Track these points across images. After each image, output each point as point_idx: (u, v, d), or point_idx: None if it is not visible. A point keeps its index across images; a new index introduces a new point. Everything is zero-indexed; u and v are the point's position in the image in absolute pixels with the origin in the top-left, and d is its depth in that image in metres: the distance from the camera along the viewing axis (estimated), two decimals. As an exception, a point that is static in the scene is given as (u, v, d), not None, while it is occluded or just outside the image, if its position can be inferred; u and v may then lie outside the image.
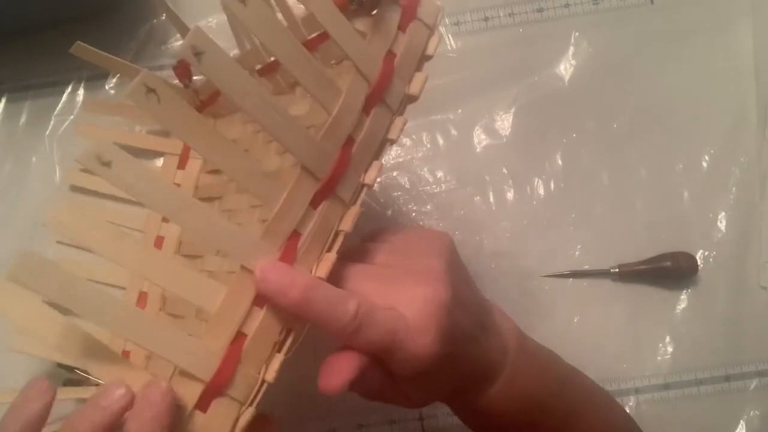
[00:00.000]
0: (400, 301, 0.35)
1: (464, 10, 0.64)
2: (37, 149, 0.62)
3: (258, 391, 0.33)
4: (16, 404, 0.28)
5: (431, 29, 0.39)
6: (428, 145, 0.62)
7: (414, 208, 0.60)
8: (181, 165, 0.60)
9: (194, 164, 0.60)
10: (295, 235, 0.34)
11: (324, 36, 0.48)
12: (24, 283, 0.27)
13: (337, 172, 0.35)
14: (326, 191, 0.35)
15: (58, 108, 0.63)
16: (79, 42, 0.52)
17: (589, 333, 0.57)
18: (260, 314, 0.33)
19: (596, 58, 0.63)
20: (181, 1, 0.63)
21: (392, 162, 0.61)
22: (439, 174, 0.61)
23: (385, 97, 0.37)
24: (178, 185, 0.59)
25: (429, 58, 0.39)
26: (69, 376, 0.53)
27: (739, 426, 0.55)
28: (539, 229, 0.59)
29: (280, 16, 0.48)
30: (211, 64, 0.28)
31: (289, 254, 0.34)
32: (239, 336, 0.32)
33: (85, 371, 0.31)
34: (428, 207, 0.60)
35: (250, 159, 0.32)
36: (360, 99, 0.36)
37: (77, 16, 0.61)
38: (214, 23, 0.64)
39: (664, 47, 0.63)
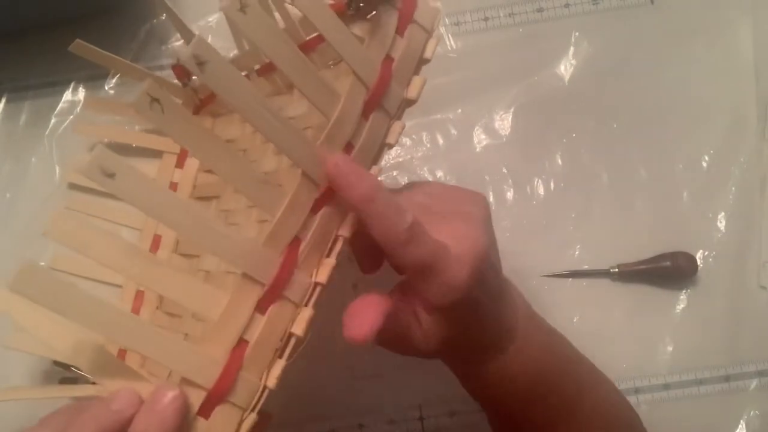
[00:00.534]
0: (443, 234, 0.35)
1: (464, 10, 0.64)
2: (36, 149, 0.62)
3: (260, 397, 0.33)
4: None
5: (429, 32, 0.39)
6: (428, 145, 0.62)
7: (414, 208, 0.60)
8: (179, 164, 0.60)
9: (192, 163, 0.60)
10: (296, 241, 0.34)
11: (322, 37, 0.48)
12: (26, 295, 0.27)
13: (337, 177, 0.35)
14: (326, 197, 0.35)
15: (57, 108, 0.63)
16: (78, 39, 0.52)
17: (589, 333, 0.56)
18: (262, 321, 0.33)
19: (596, 58, 0.62)
20: (181, 1, 0.63)
21: (392, 162, 0.61)
22: (439, 174, 0.61)
23: (383, 101, 0.37)
24: (176, 184, 0.60)
25: (427, 61, 0.39)
26: (65, 375, 0.53)
27: (739, 426, 0.55)
28: (539, 229, 0.59)
29: (277, 16, 0.48)
30: (214, 74, 0.28)
31: (290, 260, 0.34)
32: (241, 342, 0.32)
33: (79, 369, 0.31)
34: (428, 207, 0.60)
35: (253, 168, 0.32)
36: (359, 105, 0.36)
37: (77, 16, 0.61)
38: (213, 23, 0.64)
39: (664, 47, 0.62)
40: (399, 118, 0.39)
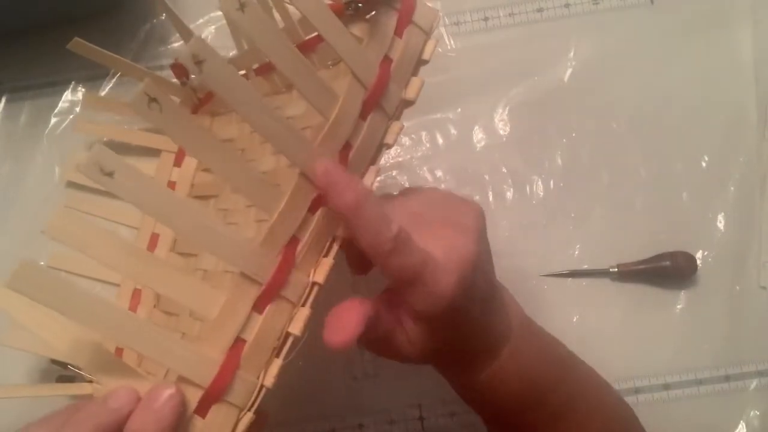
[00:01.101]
0: (432, 244, 0.35)
1: (464, 10, 0.64)
2: (36, 149, 0.62)
3: (257, 396, 0.33)
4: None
5: (427, 34, 0.39)
6: (427, 145, 0.62)
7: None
8: (178, 162, 0.60)
9: (190, 162, 0.60)
10: (294, 240, 0.34)
11: (321, 37, 0.48)
12: (24, 293, 0.27)
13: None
14: (324, 197, 0.35)
15: (57, 108, 0.63)
16: (77, 38, 0.52)
17: (589, 333, 0.57)
18: (259, 320, 0.33)
19: (596, 58, 0.62)
20: (181, 1, 0.63)
21: (391, 161, 0.61)
22: (439, 173, 0.61)
23: (381, 102, 0.37)
24: (174, 183, 0.60)
25: (425, 62, 0.39)
26: (62, 372, 0.53)
27: (739, 426, 0.55)
28: (538, 229, 0.59)
29: (277, 16, 0.48)
30: (212, 73, 0.28)
31: (288, 260, 0.34)
32: (238, 341, 0.32)
33: (77, 367, 0.31)
34: (428, 207, 0.60)
35: (251, 167, 0.32)
36: (357, 105, 0.36)
37: (77, 16, 0.61)
38: (213, 22, 0.64)
39: (663, 47, 0.62)
40: (397, 118, 0.39)
